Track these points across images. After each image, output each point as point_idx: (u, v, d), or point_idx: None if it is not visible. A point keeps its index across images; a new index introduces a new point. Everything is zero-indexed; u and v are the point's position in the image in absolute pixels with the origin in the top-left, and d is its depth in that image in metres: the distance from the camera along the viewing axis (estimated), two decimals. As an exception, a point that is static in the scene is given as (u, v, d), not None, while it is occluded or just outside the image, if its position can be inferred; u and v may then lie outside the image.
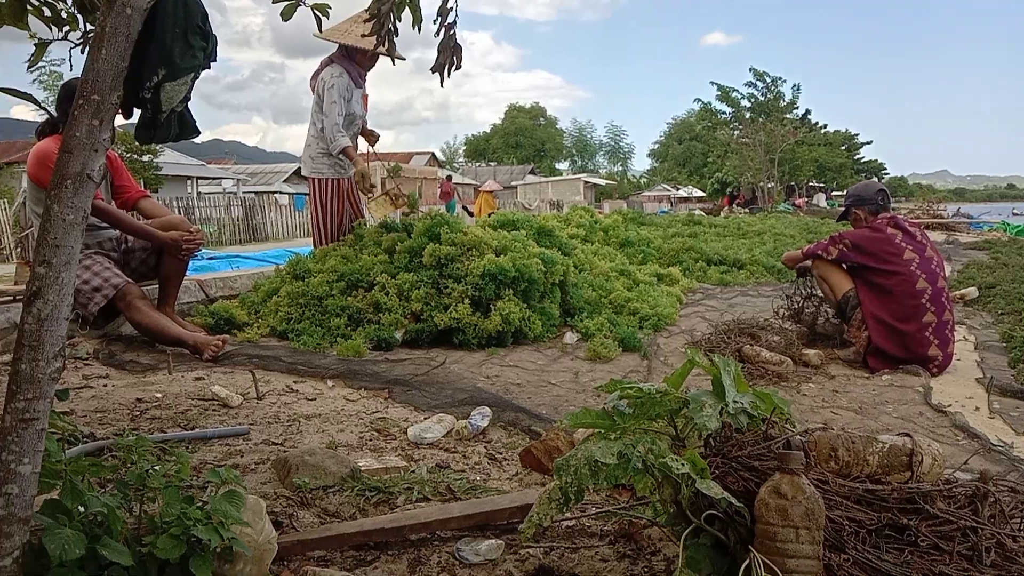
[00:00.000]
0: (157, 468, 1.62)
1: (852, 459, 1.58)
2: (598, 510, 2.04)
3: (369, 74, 5.46)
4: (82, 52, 2.02)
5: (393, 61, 2.30)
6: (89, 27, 1.96)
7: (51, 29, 1.97)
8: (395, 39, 2.15)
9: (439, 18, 2.12)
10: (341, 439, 2.67)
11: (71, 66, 2.16)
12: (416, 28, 2.11)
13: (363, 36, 4.91)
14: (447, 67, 2.22)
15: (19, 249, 14.89)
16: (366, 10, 2.22)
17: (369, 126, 5.64)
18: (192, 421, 2.76)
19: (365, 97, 5.56)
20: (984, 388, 3.72)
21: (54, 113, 3.45)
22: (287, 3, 2.13)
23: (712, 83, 54.07)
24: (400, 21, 2.11)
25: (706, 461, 1.47)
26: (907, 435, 1.68)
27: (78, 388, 3.13)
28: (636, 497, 2.02)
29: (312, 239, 5.50)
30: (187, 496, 1.56)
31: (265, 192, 31.58)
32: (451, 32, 2.15)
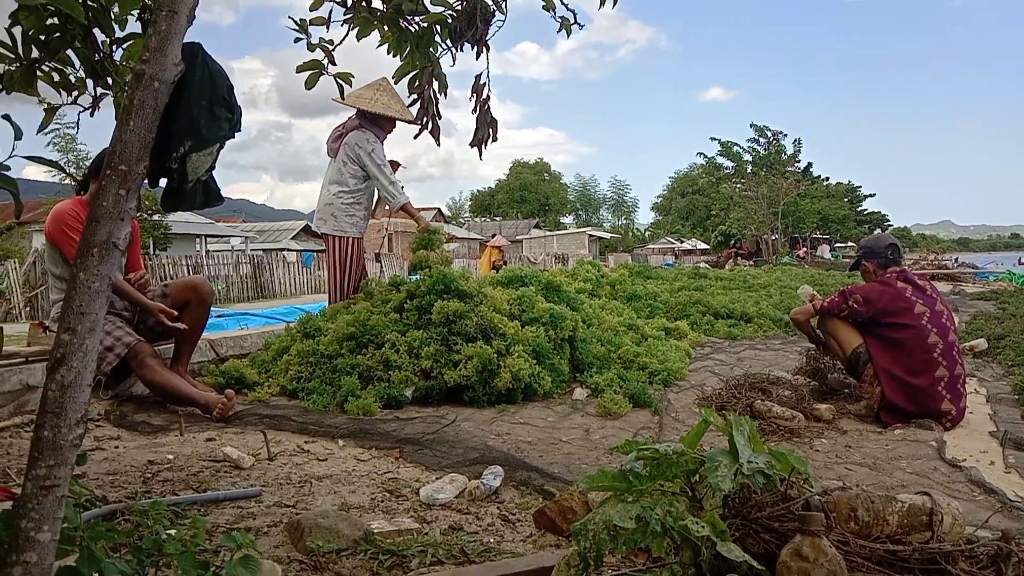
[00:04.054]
0: (172, 533, 1.61)
1: (872, 519, 1.57)
2: (615, 572, 2.02)
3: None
4: (91, 116, 2.08)
5: (438, 142, 2.36)
6: (101, 91, 2.02)
7: (60, 94, 2.03)
8: (437, 122, 2.22)
9: (474, 94, 2.19)
10: (353, 500, 2.65)
11: (78, 129, 2.21)
12: (443, 95, 2.18)
13: (406, 110, 5.08)
14: (485, 141, 2.28)
15: (28, 308, 14.98)
16: (393, 75, 2.29)
17: None
18: (204, 483, 2.75)
19: None
20: (998, 442, 3.68)
21: (77, 177, 3.53)
22: (311, 72, 2.20)
23: (713, 139, 54.75)
24: (438, 101, 2.19)
25: (725, 522, 1.46)
26: (926, 494, 1.67)
27: (90, 450, 3.13)
28: (652, 559, 1.99)
29: (328, 296, 5.56)
30: (202, 562, 1.55)
31: (273, 249, 31.82)
32: (486, 107, 2.22)
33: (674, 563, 1.67)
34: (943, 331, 4.04)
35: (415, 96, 2.13)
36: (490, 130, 2.25)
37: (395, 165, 5.70)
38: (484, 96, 2.20)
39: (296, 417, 3.76)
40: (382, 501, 2.67)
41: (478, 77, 2.17)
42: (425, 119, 2.12)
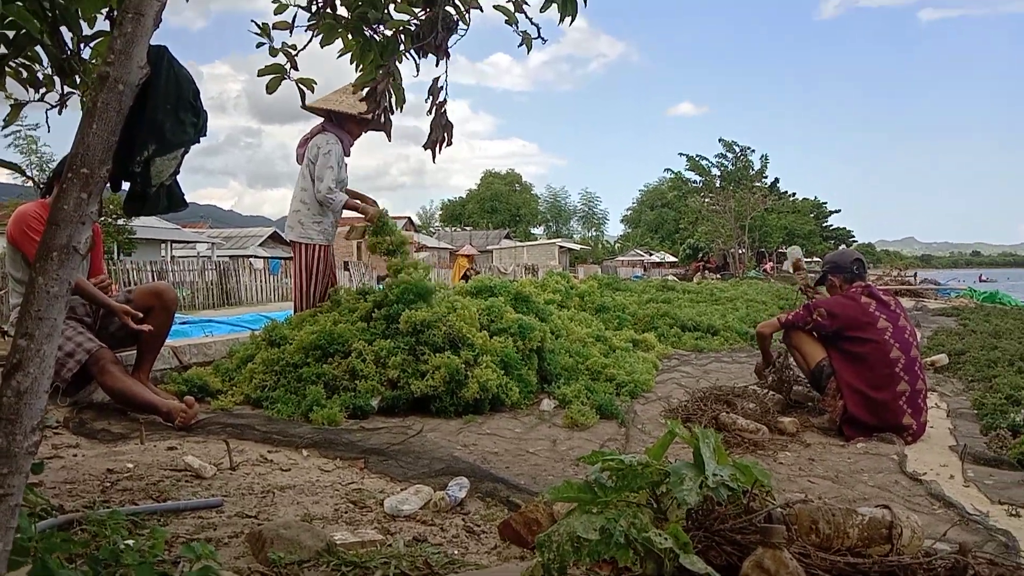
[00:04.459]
0: (130, 543, 1.58)
1: (833, 532, 1.59)
2: (579, 584, 2.02)
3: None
4: (59, 114, 2.04)
5: (389, 137, 2.35)
6: (68, 89, 1.99)
7: (27, 90, 1.99)
8: (390, 118, 2.21)
9: (430, 96, 2.18)
10: (316, 511, 2.62)
11: (48, 128, 2.17)
12: (399, 108, 2.17)
13: (359, 103, 5.04)
14: (439, 144, 2.27)
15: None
16: (352, 84, 2.28)
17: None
18: (164, 492, 2.70)
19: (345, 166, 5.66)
20: (958, 456, 3.75)
21: (39, 180, 3.48)
22: (272, 76, 2.19)
23: (681, 154, 55.24)
24: (392, 98, 2.17)
25: (688, 535, 1.47)
26: (886, 507, 1.69)
27: (47, 458, 3.06)
28: (616, 571, 2.00)
29: (294, 304, 5.51)
30: (161, 572, 1.52)
31: (240, 256, 31.49)
32: (442, 111, 2.21)
33: (637, 574, 1.67)
34: (905, 346, 4.11)
35: (367, 90, 2.12)
36: (445, 134, 2.25)
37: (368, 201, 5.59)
38: (441, 100, 2.19)
39: (260, 426, 3.72)
40: (346, 512, 2.64)
41: (436, 80, 2.17)
42: (377, 112, 2.11)
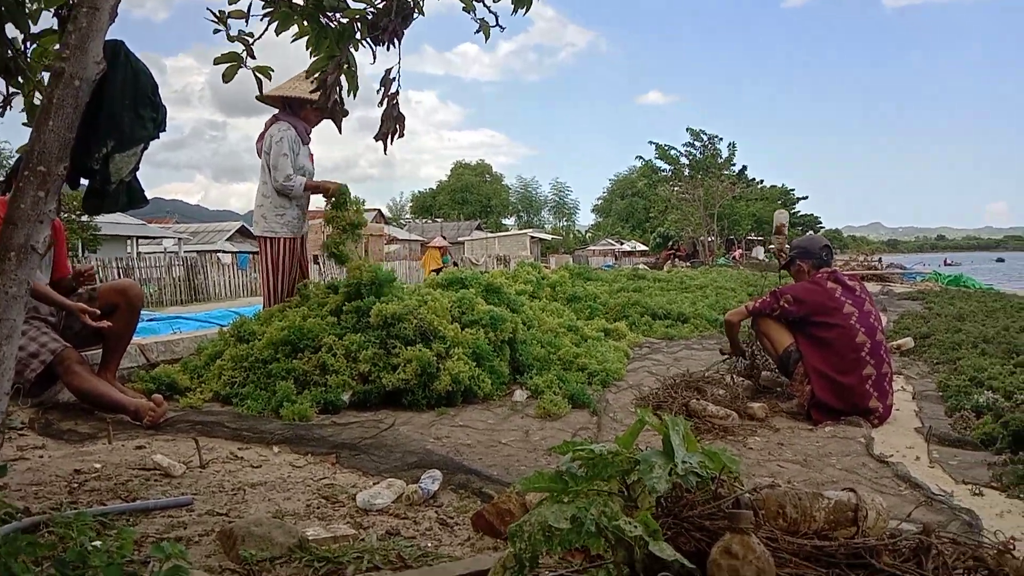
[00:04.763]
0: (98, 544, 1.57)
1: (800, 516, 1.61)
2: (552, 573, 2.03)
3: (314, 132, 5.53)
4: (1, 116, 2.00)
5: (340, 129, 2.33)
6: (12, 90, 1.95)
7: None
8: (342, 107, 2.19)
9: (382, 88, 2.17)
10: (288, 507, 2.61)
11: None
12: (352, 95, 2.16)
13: (310, 93, 4.99)
14: (390, 135, 2.26)
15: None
16: (306, 71, 2.26)
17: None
18: (133, 492, 2.67)
19: (311, 156, 5.61)
20: (923, 437, 3.82)
21: None
22: (229, 64, 2.16)
23: (651, 142, 55.43)
24: (344, 89, 2.16)
25: (658, 522, 1.48)
26: (852, 490, 1.72)
27: (12, 460, 3.01)
28: (589, 559, 2.01)
29: (262, 299, 5.46)
30: (130, 573, 1.51)
31: (208, 251, 31.15)
32: (394, 102, 2.20)
33: (609, 563, 1.68)
34: (871, 331, 4.17)
35: (317, 81, 2.11)
36: (396, 125, 2.24)
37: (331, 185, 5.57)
38: (393, 92, 2.18)
39: (229, 423, 3.69)
40: (318, 508, 2.63)
41: (388, 71, 2.16)
42: (328, 103, 2.10)
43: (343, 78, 2.11)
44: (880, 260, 26.96)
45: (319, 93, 2.08)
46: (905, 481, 3.07)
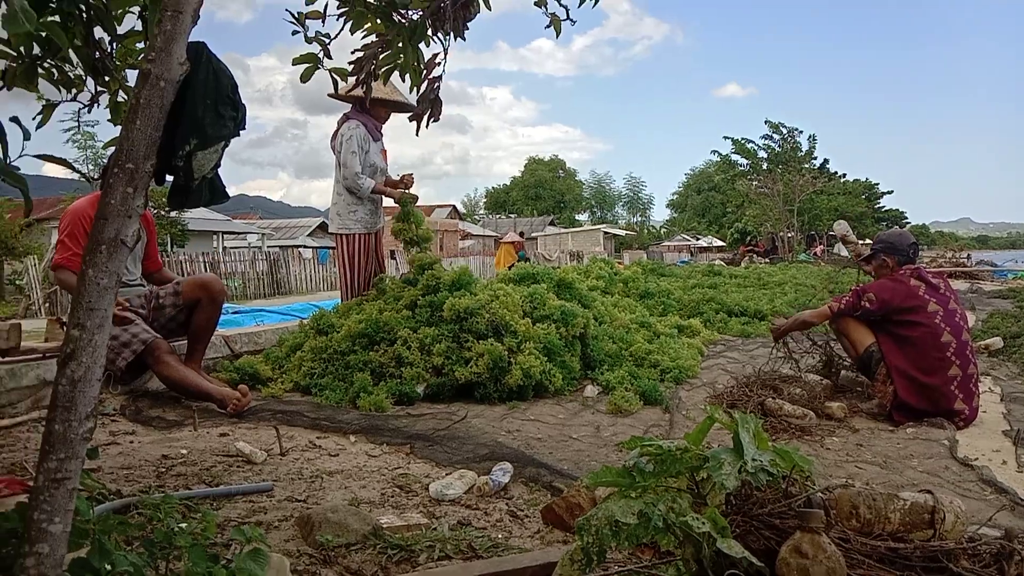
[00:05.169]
0: (183, 526, 1.64)
1: (873, 517, 1.58)
2: (620, 569, 2.03)
3: (390, 130, 5.63)
4: (89, 112, 2.11)
5: (419, 129, 2.38)
6: (99, 88, 2.05)
7: (60, 91, 2.05)
8: (439, 106, 2.23)
9: (424, 70, 2.20)
10: (363, 495, 2.68)
11: (79, 126, 2.24)
12: (413, 89, 2.19)
13: (398, 92, 5.06)
14: (425, 117, 2.30)
15: (47, 304, 15.14)
16: (351, 62, 2.31)
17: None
18: (217, 478, 2.78)
19: (384, 152, 5.70)
20: (1012, 441, 3.66)
21: (91, 175, 3.58)
22: (307, 65, 2.22)
23: (726, 137, 54.14)
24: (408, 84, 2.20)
25: (727, 519, 1.47)
26: (929, 492, 1.67)
27: (105, 444, 3.17)
28: (659, 555, 2.00)
29: (340, 293, 5.61)
30: (212, 555, 1.57)
31: (289, 246, 31.99)
32: (435, 85, 2.23)
33: (678, 560, 1.68)
34: (956, 330, 4.02)
35: (354, 59, 2.15)
36: (432, 108, 2.26)
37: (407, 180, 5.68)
38: (435, 76, 2.21)
39: (308, 413, 3.80)
40: (392, 496, 2.69)
41: (434, 56, 2.19)
42: (362, 79, 2.15)
43: (407, 74, 2.16)
44: (969, 257, 25.86)
45: (353, 71, 2.13)
46: (990, 485, 2.95)
